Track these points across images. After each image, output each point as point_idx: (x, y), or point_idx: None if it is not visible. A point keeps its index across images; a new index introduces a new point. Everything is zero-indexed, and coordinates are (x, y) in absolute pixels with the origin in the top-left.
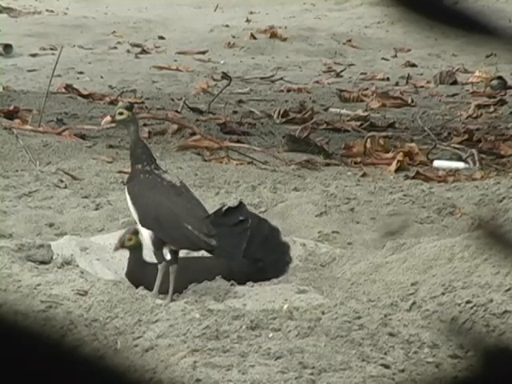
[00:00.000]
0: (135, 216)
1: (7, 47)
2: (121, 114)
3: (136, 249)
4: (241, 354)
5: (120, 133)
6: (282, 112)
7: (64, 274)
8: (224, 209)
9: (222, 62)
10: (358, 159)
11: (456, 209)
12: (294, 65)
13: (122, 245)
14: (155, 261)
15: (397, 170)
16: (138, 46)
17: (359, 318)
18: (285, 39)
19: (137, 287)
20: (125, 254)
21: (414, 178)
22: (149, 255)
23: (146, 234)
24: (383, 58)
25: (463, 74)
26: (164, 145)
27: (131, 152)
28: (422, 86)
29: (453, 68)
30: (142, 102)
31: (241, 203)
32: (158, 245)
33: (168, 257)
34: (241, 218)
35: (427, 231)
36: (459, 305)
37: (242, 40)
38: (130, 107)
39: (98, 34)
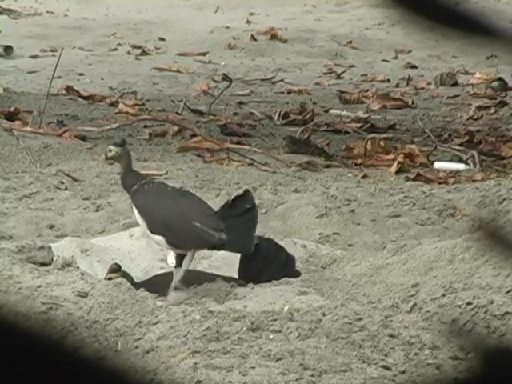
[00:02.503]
0: (144, 226)
1: (7, 49)
2: (110, 151)
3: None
4: (241, 355)
5: (121, 134)
6: (282, 113)
7: (64, 275)
8: (231, 199)
9: (222, 63)
10: (359, 161)
11: (457, 210)
12: (295, 66)
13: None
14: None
15: (397, 172)
16: (138, 47)
17: (360, 319)
18: (285, 41)
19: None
20: (125, 256)
21: (414, 179)
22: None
23: (157, 241)
24: (384, 60)
25: (464, 75)
26: (164, 146)
27: (122, 181)
28: (422, 88)
29: (453, 69)
30: (143, 104)
31: (246, 191)
32: (171, 248)
33: (171, 260)
34: (247, 206)
35: (428, 233)
36: (460, 306)
37: (242, 41)
38: (120, 144)
39: (99, 35)
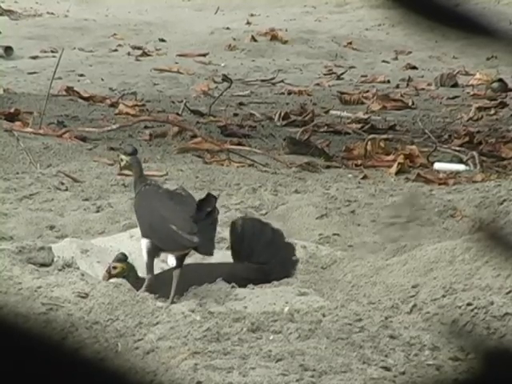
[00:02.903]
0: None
1: (8, 49)
2: (122, 160)
3: (126, 275)
4: (241, 356)
5: (121, 135)
6: (282, 114)
7: (65, 276)
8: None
9: (222, 64)
10: (359, 161)
11: (457, 211)
12: (295, 67)
13: (109, 275)
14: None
15: (397, 173)
16: (138, 48)
17: (360, 320)
18: (285, 42)
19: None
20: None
21: (414, 180)
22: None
23: (142, 244)
24: (384, 61)
25: (464, 76)
26: (165, 147)
27: (133, 187)
28: (422, 89)
29: (453, 70)
30: (143, 105)
31: (208, 194)
32: (152, 253)
33: (171, 261)
34: (208, 209)
35: (428, 234)
36: (460, 307)
37: (242, 42)
38: (131, 152)
39: (99, 36)
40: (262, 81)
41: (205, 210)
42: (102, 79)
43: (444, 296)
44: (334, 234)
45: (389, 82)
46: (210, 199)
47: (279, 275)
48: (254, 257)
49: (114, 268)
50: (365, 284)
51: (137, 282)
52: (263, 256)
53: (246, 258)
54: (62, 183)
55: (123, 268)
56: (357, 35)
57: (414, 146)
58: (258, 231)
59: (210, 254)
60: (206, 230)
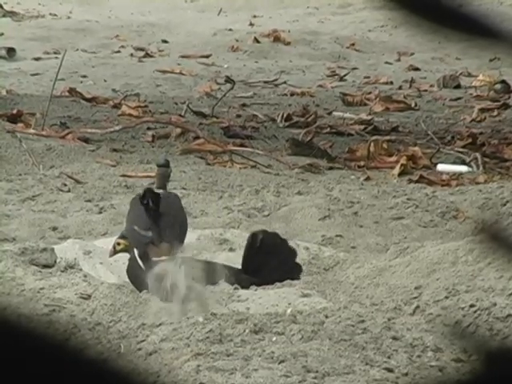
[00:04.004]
0: None
1: (10, 51)
2: (118, 244)
3: (129, 251)
4: (244, 357)
5: (123, 136)
6: (285, 116)
7: (67, 277)
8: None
9: (225, 65)
10: (362, 163)
11: (459, 212)
12: (298, 68)
13: (114, 250)
14: None
15: (400, 174)
16: (141, 49)
17: (363, 321)
18: (288, 43)
19: (135, 287)
20: (128, 257)
21: (417, 181)
22: None
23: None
24: (386, 62)
25: (467, 77)
26: (167, 148)
27: None
28: (425, 90)
29: (456, 72)
30: (146, 106)
31: (145, 189)
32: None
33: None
34: (145, 202)
35: (431, 235)
36: (463, 308)
37: (245, 44)
38: (162, 164)
39: (102, 37)
40: (265, 82)
41: (145, 205)
42: (105, 80)
43: (447, 297)
44: (337, 236)
45: (391, 83)
46: (146, 193)
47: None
48: (265, 273)
49: (118, 244)
50: (367, 285)
51: (135, 262)
52: (274, 275)
53: (253, 273)
54: (65, 184)
55: (126, 245)
56: (359, 36)
57: (416, 148)
58: (276, 248)
59: (170, 242)
60: (157, 222)
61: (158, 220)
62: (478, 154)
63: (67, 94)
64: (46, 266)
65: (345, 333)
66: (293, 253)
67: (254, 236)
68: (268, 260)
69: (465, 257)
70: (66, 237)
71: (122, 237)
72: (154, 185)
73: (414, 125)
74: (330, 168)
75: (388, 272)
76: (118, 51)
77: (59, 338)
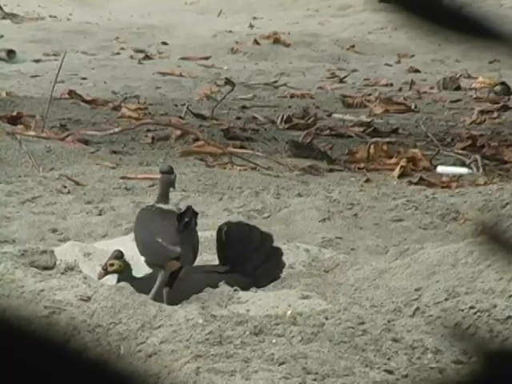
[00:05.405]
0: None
1: (10, 53)
2: (112, 265)
3: (122, 272)
4: (244, 359)
5: (123, 138)
6: (285, 118)
7: (67, 279)
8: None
9: (225, 67)
10: (362, 165)
11: (459, 214)
12: (298, 70)
13: (106, 272)
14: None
15: (400, 176)
16: (141, 51)
17: (362, 323)
18: (288, 45)
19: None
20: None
21: (417, 183)
22: None
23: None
24: (386, 64)
25: (467, 79)
26: (167, 150)
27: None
28: (425, 92)
29: (456, 74)
30: (146, 108)
31: (188, 207)
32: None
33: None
34: (186, 220)
35: (431, 237)
36: (463, 310)
37: (245, 46)
38: (165, 170)
39: (102, 39)
40: (265, 84)
41: (183, 222)
42: (105, 82)
43: (447, 299)
44: (337, 238)
45: (391, 85)
46: (188, 211)
47: (267, 281)
48: (242, 263)
49: (111, 265)
50: (367, 287)
51: (131, 282)
52: (251, 262)
53: (232, 264)
54: (65, 186)
55: (120, 265)
56: (359, 38)
57: (416, 150)
58: (245, 236)
59: (190, 264)
60: (185, 241)
61: (187, 238)
62: (477, 156)
63: (67, 96)
64: (45, 268)
65: (345, 335)
66: (268, 237)
67: (218, 231)
68: (241, 249)
69: (465, 259)
70: (66, 239)
71: (116, 257)
72: (157, 191)
73: (414, 127)
74: (330, 170)
75: (388, 274)
76: (118, 53)
77: (59, 340)
